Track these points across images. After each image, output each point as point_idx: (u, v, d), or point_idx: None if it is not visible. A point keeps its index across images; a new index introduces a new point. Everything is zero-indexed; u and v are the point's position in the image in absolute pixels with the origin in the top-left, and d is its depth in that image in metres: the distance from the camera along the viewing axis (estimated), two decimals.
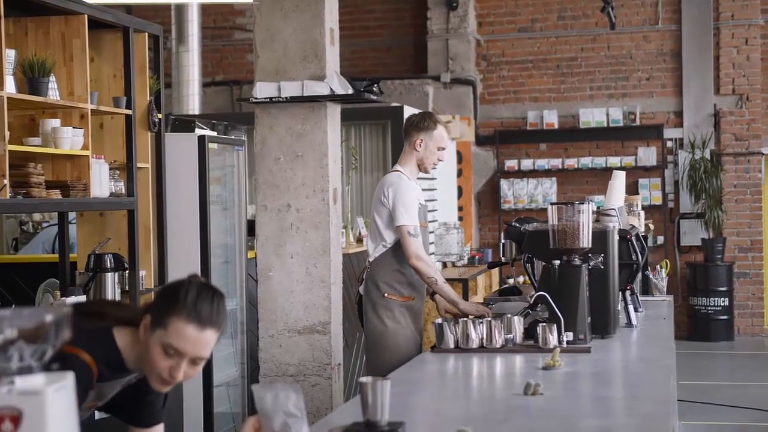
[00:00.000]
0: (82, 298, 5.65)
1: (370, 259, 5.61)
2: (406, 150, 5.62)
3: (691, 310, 13.07)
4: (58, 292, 5.89)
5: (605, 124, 13.46)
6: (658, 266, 6.96)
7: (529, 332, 4.64)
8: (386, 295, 5.52)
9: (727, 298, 12.96)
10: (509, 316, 4.64)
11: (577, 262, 4.72)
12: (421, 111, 6.26)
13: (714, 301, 12.93)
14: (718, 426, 8.50)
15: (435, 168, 5.71)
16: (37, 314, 1.89)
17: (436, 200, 11.05)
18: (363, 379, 2.91)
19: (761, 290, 13.38)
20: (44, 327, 1.88)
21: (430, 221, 10.49)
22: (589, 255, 4.82)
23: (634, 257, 5.38)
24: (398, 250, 5.47)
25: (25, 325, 1.88)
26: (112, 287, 5.81)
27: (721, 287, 12.95)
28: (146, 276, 6.27)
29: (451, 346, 4.57)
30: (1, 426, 1.82)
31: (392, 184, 5.48)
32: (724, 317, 12.97)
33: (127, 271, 6.00)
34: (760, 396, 9.64)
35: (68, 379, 1.89)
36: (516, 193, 13.64)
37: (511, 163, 13.67)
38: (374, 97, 6.03)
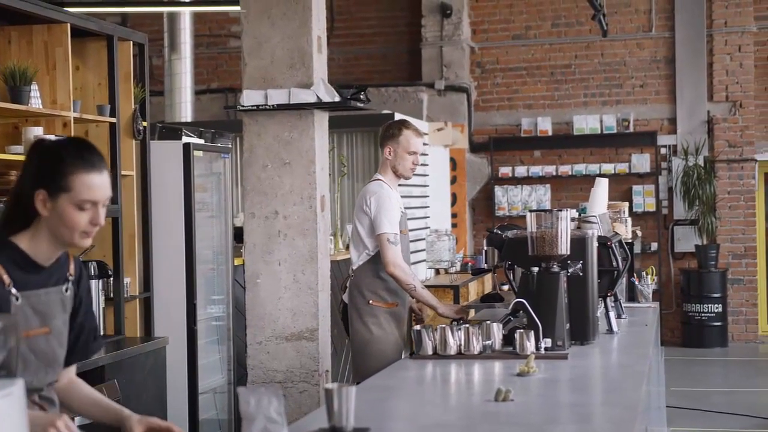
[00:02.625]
0: None
1: (354, 267, 5.65)
2: (382, 159, 5.68)
3: (685, 316, 13.07)
4: None
5: (599, 131, 13.47)
6: (643, 273, 6.97)
7: (509, 339, 4.65)
8: (371, 302, 5.56)
9: (720, 305, 12.96)
10: (488, 322, 4.64)
11: (556, 269, 4.72)
12: (392, 120, 6.29)
13: (708, 307, 12.93)
14: None
15: (413, 172, 5.74)
16: None
17: (428, 207, 11.06)
18: (328, 385, 2.95)
19: (755, 296, 13.39)
20: None
21: (422, 228, 10.63)
22: (568, 262, 4.83)
23: (614, 264, 5.38)
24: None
25: None
26: (96, 295, 5.82)
27: (714, 294, 12.95)
28: (131, 283, 6.28)
29: (429, 352, 4.58)
30: None
31: (374, 193, 5.53)
32: (718, 323, 12.97)
33: (111, 279, 6.02)
34: (752, 402, 9.65)
35: (16, 386, 1.91)
36: (510, 200, 13.65)
37: (505, 170, 13.69)
38: (361, 105, 6.04)
